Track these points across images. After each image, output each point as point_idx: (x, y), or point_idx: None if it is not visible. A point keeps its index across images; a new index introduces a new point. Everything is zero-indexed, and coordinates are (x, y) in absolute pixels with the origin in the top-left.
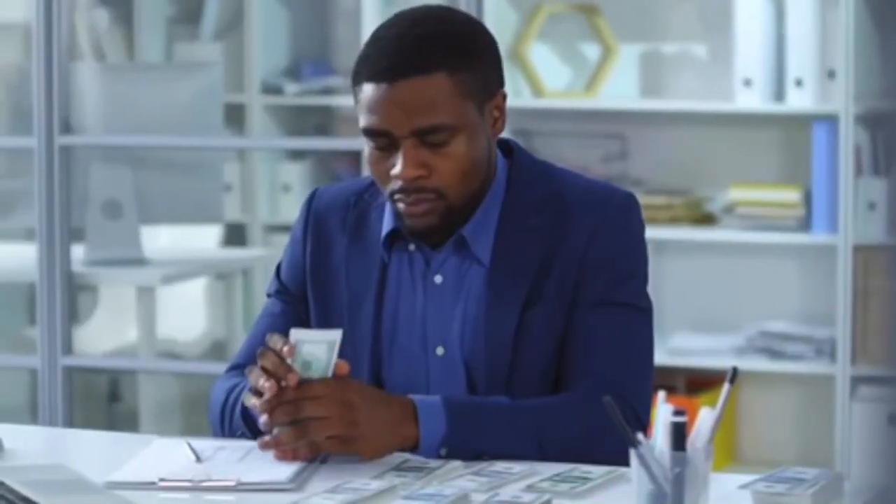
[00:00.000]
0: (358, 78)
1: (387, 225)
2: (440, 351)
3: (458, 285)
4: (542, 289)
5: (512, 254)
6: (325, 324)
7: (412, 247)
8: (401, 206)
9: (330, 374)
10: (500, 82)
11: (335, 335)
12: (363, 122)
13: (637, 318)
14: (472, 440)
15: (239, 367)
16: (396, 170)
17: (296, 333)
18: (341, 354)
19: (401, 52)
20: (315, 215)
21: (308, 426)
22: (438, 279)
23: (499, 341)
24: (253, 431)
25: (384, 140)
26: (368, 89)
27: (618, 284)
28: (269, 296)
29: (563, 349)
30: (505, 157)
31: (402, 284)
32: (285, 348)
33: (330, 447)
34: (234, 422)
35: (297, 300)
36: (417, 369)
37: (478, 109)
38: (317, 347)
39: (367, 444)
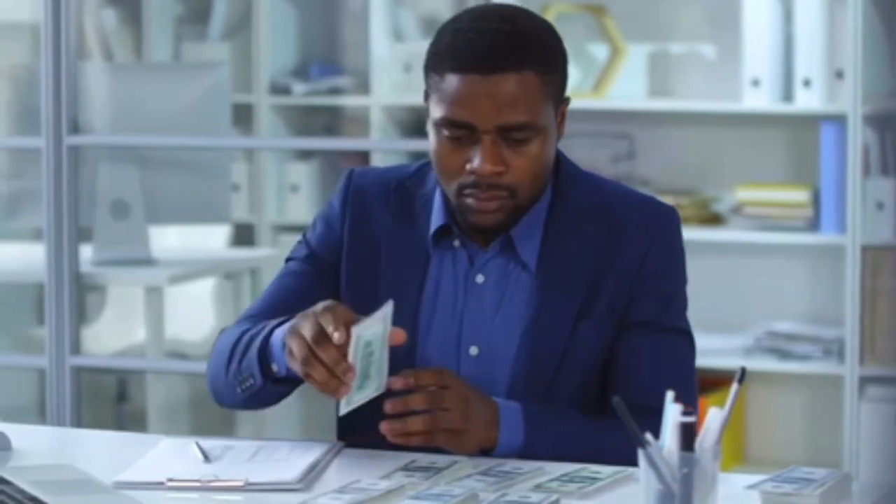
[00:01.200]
0: (440, 68)
1: (436, 220)
2: (474, 351)
3: (500, 287)
4: (595, 302)
5: (561, 261)
6: (356, 296)
7: (457, 243)
8: (470, 201)
9: (386, 345)
10: (566, 91)
11: (387, 308)
12: (443, 111)
13: (683, 342)
14: (545, 453)
15: (252, 318)
16: (475, 164)
17: (356, 329)
18: None
19: (496, 47)
20: (356, 191)
21: (438, 417)
22: (480, 279)
23: (547, 351)
24: (265, 376)
25: (463, 132)
26: (454, 80)
27: (666, 306)
28: (288, 260)
29: (610, 368)
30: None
31: (441, 281)
32: (337, 335)
33: (441, 439)
34: (244, 362)
35: (326, 268)
36: (448, 367)
37: (554, 112)
38: (374, 327)
39: (470, 440)
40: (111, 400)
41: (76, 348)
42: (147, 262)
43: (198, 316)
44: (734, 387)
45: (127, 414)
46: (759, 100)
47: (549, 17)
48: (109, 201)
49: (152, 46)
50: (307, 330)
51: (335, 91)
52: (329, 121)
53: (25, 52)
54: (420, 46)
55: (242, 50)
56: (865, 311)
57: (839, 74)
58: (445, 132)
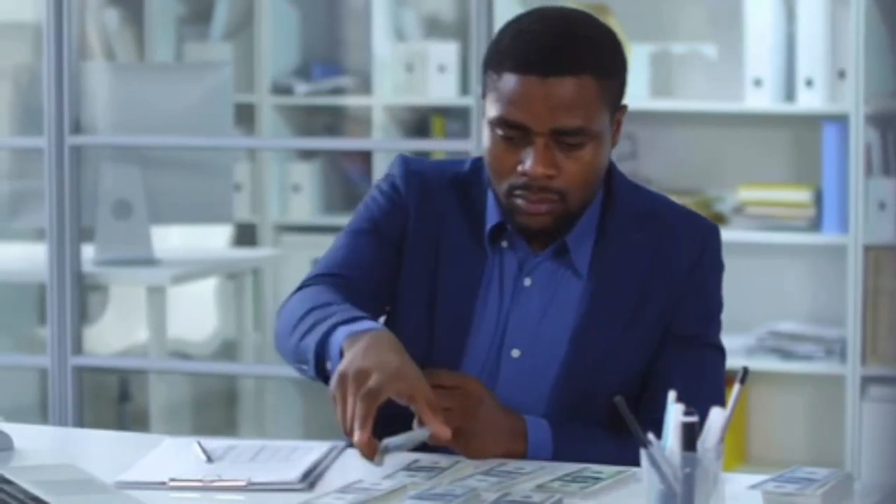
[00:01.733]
0: (500, 67)
1: (492, 218)
2: (515, 353)
3: (548, 291)
4: (644, 310)
5: (612, 268)
6: (413, 283)
7: (505, 244)
8: (519, 202)
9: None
10: (622, 99)
11: (422, 435)
12: (498, 111)
13: (719, 360)
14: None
15: (323, 277)
16: (527, 165)
17: (386, 441)
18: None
19: (556, 49)
20: (418, 178)
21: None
22: (528, 282)
23: (591, 357)
24: (318, 371)
25: (517, 133)
26: (512, 80)
27: (708, 321)
28: (352, 231)
29: (649, 376)
30: None
31: (492, 282)
32: (358, 435)
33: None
34: (302, 344)
35: (391, 243)
36: (488, 368)
37: (610, 119)
38: (404, 442)
39: (478, 443)
40: (113, 400)
41: (78, 348)
42: (149, 261)
43: (200, 316)
44: (736, 387)
45: (129, 414)
46: (762, 100)
47: None
48: (111, 201)
49: (154, 46)
50: (344, 405)
51: (337, 91)
52: (331, 121)
53: (28, 52)
54: (422, 46)
55: (244, 50)
56: (867, 310)
57: (841, 74)
58: (499, 131)
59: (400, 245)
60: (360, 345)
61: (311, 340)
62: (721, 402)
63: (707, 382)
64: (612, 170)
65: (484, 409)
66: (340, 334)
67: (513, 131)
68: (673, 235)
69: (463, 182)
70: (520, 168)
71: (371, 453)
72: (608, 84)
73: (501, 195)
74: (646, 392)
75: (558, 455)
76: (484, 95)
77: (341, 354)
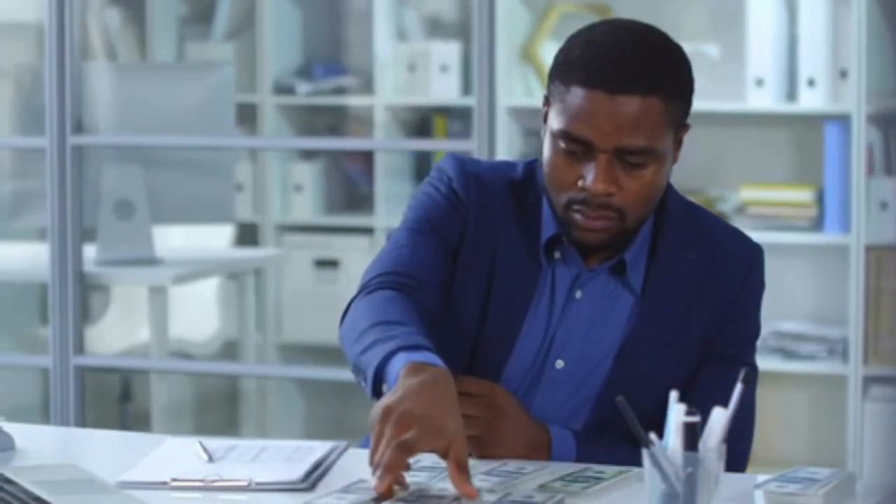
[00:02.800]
0: (568, 79)
1: (547, 229)
2: (560, 364)
3: (598, 305)
4: (688, 330)
5: (664, 288)
6: (466, 287)
7: (558, 255)
8: (577, 216)
9: None
10: (687, 119)
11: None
12: (564, 124)
13: (755, 382)
14: None
15: (390, 276)
16: (588, 181)
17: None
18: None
19: (626, 67)
20: (476, 180)
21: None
22: (579, 294)
23: (635, 373)
24: (374, 392)
25: (580, 147)
26: (580, 94)
27: (747, 342)
28: (407, 228)
29: (688, 390)
30: None
31: (544, 293)
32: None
33: (470, 447)
34: (362, 358)
35: (449, 246)
36: (531, 377)
37: (674, 139)
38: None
39: (499, 453)
40: (115, 400)
41: (80, 348)
42: (151, 261)
43: (202, 316)
44: (738, 387)
45: (131, 414)
46: (763, 99)
47: (554, 17)
48: (113, 201)
49: (156, 46)
50: (378, 444)
51: (339, 91)
52: (333, 121)
53: (29, 52)
54: (424, 46)
55: (246, 50)
56: (869, 310)
57: (843, 74)
58: (562, 144)
59: (457, 248)
60: (416, 382)
61: (373, 358)
62: (751, 428)
63: (742, 401)
64: (668, 187)
65: (508, 421)
66: (400, 361)
67: (576, 145)
68: (722, 256)
69: (518, 188)
70: (580, 183)
71: (385, 497)
72: (675, 106)
73: (559, 208)
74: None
75: (581, 453)
76: (547, 103)
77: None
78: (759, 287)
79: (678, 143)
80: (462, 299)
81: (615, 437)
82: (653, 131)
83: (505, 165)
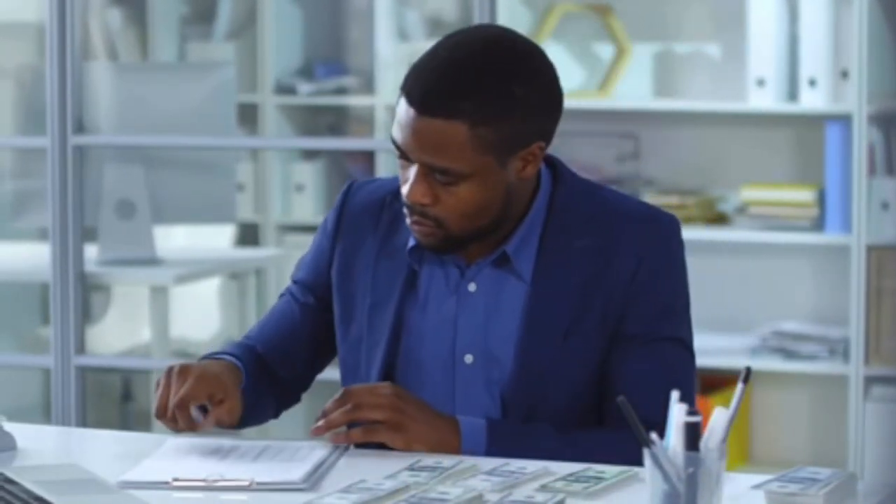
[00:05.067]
0: (402, 87)
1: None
2: (469, 359)
3: (492, 295)
4: (585, 316)
5: (556, 275)
6: (346, 322)
7: (431, 255)
8: (408, 220)
9: None
10: (541, 134)
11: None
12: (392, 129)
13: (679, 352)
14: None
15: (247, 340)
16: (404, 189)
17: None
18: (354, 357)
19: (431, 91)
20: (349, 211)
21: (361, 409)
22: (472, 287)
23: (537, 362)
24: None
25: (403, 153)
26: (402, 104)
27: (663, 317)
28: (293, 282)
29: (605, 381)
30: (549, 169)
31: (432, 291)
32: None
33: (380, 434)
34: None
35: (311, 290)
36: (444, 376)
37: (498, 161)
38: None
39: (414, 435)
40: (116, 400)
41: (81, 348)
42: (152, 261)
43: (203, 316)
44: (739, 386)
45: (132, 413)
46: (765, 99)
47: (555, 16)
48: (114, 201)
49: (157, 46)
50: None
51: (340, 91)
52: (334, 120)
53: (31, 52)
54: (425, 46)
55: (247, 50)
56: (870, 310)
57: (844, 74)
58: (395, 150)
59: (324, 284)
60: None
61: None
62: (684, 393)
63: (658, 375)
64: (559, 172)
65: (413, 406)
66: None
67: (400, 151)
68: (614, 240)
69: (399, 198)
70: (402, 189)
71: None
72: (484, 132)
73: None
74: (604, 402)
75: (492, 450)
76: None
77: None
78: (666, 261)
79: (529, 157)
80: (351, 318)
81: (531, 424)
82: (455, 155)
83: (396, 179)
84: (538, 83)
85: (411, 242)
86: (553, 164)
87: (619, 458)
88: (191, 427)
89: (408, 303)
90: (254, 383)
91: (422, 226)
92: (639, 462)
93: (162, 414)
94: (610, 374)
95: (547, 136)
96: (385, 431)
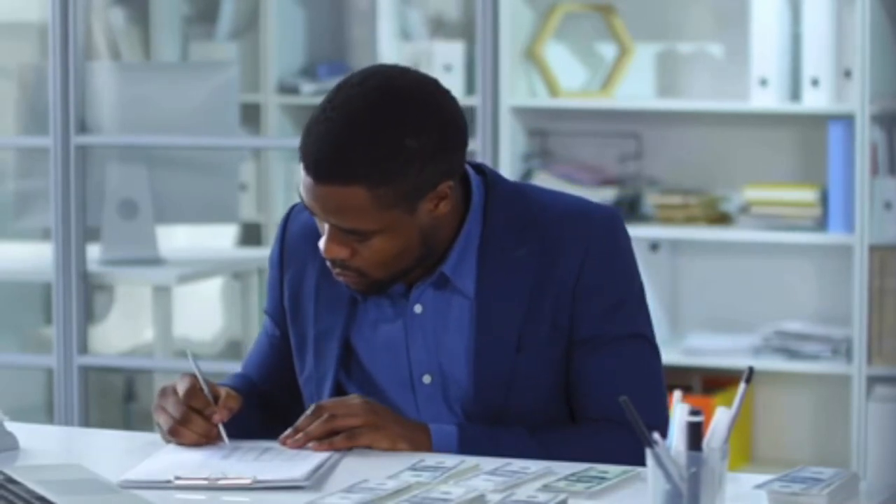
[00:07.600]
0: (299, 150)
1: None
2: (427, 379)
3: (440, 314)
4: (535, 327)
5: (499, 287)
6: (301, 356)
7: None
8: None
9: None
10: (447, 173)
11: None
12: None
13: (637, 346)
14: None
15: (243, 374)
16: (321, 244)
17: None
18: (308, 391)
19: (323, 160)
20: (289, 240)
21: (336, 419)
22: (418, 308)
23: (492, 376)
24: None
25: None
26: (301, 170)
27: (612, 315)
28: (265, 313)
29: (569, 388)
30: (479, 175)
31: (379, 317)
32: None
33: (363, 437)
34: None
35: (277, 324)
36: (405, 398)
37: (405, 211)
38: None
39: (395, 432)
40: (119, 399)
41: (84, 348)
42: (155, 261)
43: (206, 315)
44: (742, 386)
45: (134, 413)
46: (767, 99)
47: (557, 16)
48: (117, 201)
49: (160, 46)
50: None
51: None
52: None
53: (33, 51)
54: (427, 46)
55: (250, 49)
56: (873, 310)
57: (847, 74)
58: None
59: (284, 315)
60: None
61: None
62: (645, 390)
63: (619, 376)
64: (490, 183)
65: (380, 408)
66: None
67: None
68: (553, 245)
69: None
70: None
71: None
72: (384, 191)
73: None
74: (573, 401)
75: (464, 447)
76: None
77: None
78: (609, 257)
79: (439, 198)
80: (305, 351)
81: (502, 427)
82: (360, 216)
83: None
84: (432, 127)
85: None
86: (482, 171)
87: (592, 455)
88: (207, 431)
89: (353, 330)
90: (256, 403)
91: (346, 277)
92: (613, 457)
93: (174, 428)
94: (573, 378)
95: (454, 173)
96: (367, 434)
